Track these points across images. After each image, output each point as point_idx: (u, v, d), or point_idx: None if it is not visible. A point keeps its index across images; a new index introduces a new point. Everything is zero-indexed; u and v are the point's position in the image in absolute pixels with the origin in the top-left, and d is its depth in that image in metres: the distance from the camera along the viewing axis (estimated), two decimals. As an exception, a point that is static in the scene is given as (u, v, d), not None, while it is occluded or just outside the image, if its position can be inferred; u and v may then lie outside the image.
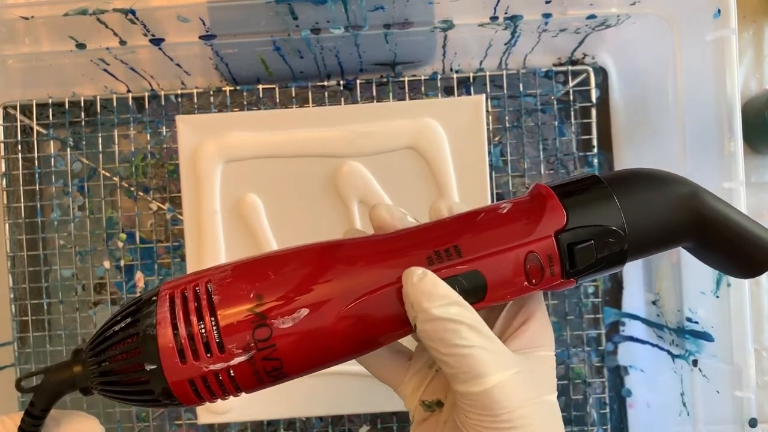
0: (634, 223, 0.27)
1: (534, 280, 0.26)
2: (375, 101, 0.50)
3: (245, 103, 0.50)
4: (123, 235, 0.50)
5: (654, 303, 0.48)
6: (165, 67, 0.47)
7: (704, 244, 0.28)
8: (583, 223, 0.26)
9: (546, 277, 0.26)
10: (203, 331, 0.24)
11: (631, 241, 0.27)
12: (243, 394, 0.26)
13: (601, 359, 0.50)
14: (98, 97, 0.50)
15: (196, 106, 0.50)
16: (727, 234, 0.27)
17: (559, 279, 0.27)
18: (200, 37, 0.43)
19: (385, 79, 0.50)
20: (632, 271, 0.50)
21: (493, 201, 0.47)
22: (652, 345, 0.49)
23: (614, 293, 0.51)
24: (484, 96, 0.45)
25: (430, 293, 0.25)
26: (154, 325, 0.24)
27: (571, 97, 0.50)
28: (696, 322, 0.44)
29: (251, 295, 0.25)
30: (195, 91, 0.50)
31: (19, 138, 0.50)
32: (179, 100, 0.50)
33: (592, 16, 0.43)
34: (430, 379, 0.32)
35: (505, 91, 0.50)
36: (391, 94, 0.50)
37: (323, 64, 0.48)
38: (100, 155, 0.50)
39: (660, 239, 0.27)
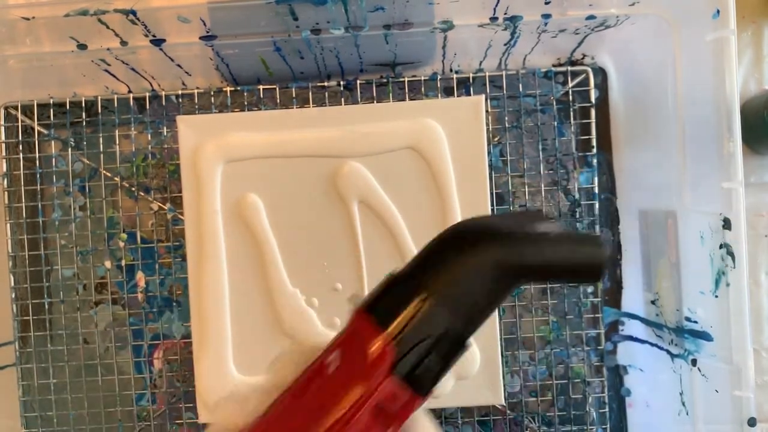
0: (459, 313, 0.26)
1: (392, 427, 0.25)
2: (375, 102, 0.50)
3: (246, 103, 0.50)
4: (124, 235, 0.50)
5: (653, 302, 0.48)
6: (166, 68, 0.48)
7: (533, 282, 0.29)
8: (414, 342, 0.25)
9: (400, 412, 0.25)
10: None
11: (465, 327, 0.26)
12: None
13: (600, 359, 0.50)
14: (99, 98, 0.50)
15: (196, 107, 0.50)
16: (549, 269, 0.27)
17: (415, 402, 0.26)
18: (201, 38, 0.43)
19: (385, 80, 0.50)
20: (631, 271, 0.50)
21: (492, 201, 0.47)
22: (652, 344, 0.49)
23: (613, 293, 0.51)
24: (483, 96, 0.45)
25: None
26: None
27: (571, 98, 0.50)
28: (695, 322, 0.44)
29: None
30: (196, 91, 0.50)
31: (20, 138, 0.50)
32: (180, 100, 0.50)
33: (591, 17, 0.43)
34: None
35: (505, 91, 0.50)
36: (391, 95, 0.50)
37: (323, 64, 0.48)
38: (101, 155, 0.50)
39: (489, 305, 0.27)
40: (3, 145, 0.50)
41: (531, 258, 0.27)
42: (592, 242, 0.27)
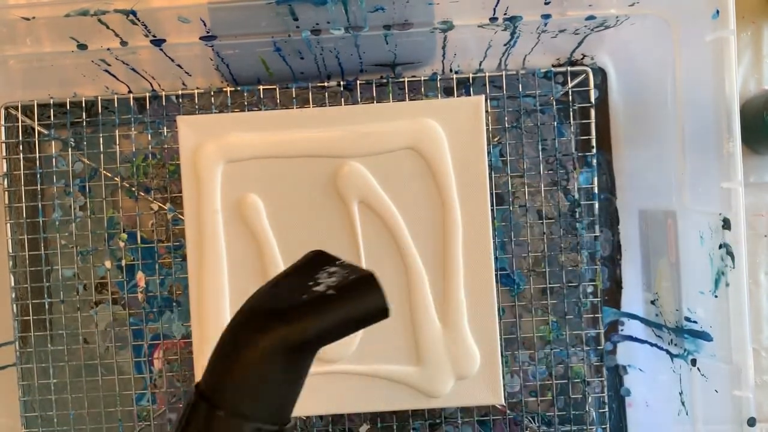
0: (263, 411, 0.27)
1: None
2: (375, 102, 0.50)
3: (246, 103, 0.50)
4: (124, 235, 0.50)
5: (653, 302, 0.48)
6: (166, 68, 0.48)
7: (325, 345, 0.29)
8: None
9: None
10: None
11: (279, 415, 0.28)
12: None
13: (600, 359, 0.50)
14: (99, 98, 0.50)
15: (196, 107, 0.50)
16: (337, 331, 0.28)
17: None
18: (201, 38, 0.43)
19: (385, 80, 0.50)
20: (631, 271, 0.50)
21: (492, 201, 0.47)
22: (651, 344, 0.49)
23: (613, 293, 0.51)
24: (483, 96, 0.45)
25: None
26: None
27: (570, 98, 0.50)
28: (695, 322, 0.44)
29: None
30: (196, 91, 0.50)
31: (20, 138, 0.50)
32: (180, 100, 0.50)
33: (591, 17, 0.43)
34: None
35: (505, 91, 0.50)
36: (391, 95, 0.50)
37: (323, 64, 0.48)
38: (101, 155, 0.50)
39: (292, 385, 0.28)
40: (3, 145, 0.50)
41: (315, 330, 0.28)
42: (368, 286, 0.28)
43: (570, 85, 0.50)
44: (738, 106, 0.39)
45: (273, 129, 0.45)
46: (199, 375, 0.45)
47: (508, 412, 0.50)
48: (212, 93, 0.50)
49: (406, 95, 0.50)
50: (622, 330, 0.51)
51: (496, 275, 0.48)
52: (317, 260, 0.31)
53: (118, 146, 0.50)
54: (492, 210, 0.46)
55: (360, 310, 0.28)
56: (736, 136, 0.39)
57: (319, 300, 0.28)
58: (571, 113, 0.50)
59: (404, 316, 0.45)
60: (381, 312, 0.28)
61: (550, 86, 0.50)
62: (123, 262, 0.50)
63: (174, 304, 0.50)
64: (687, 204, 0.44)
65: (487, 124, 0.49)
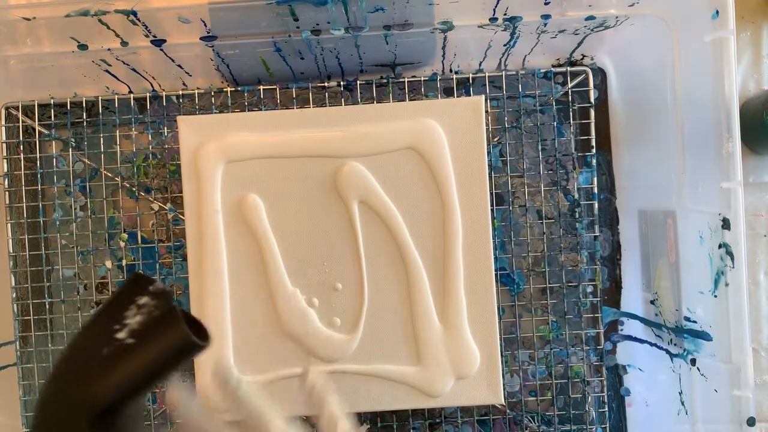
0: None
1: None
2: (375, 102, 0.50)
3: (246, 103, 0.50)
4: (124, 235, 0.50)
5: (652, 302, 0.49)
6: (166, 68, 0.48)
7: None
8: None
9: None
10: None
11: None
12: None
13: (599, 358, 0.50)
14: (100, 98, 0.50)
15: (197, 107, 0.50)
16: (148, 377, 0.27)
17: None
18: (201, 38, 0.44)
19: (385, 80, 0.50)
20: (631, 271, 0.50)
21: (492, 201, 0.47)
22: (651, 344, 0.49)
23: (613, 293, 0.51)
24: (483, 97, 0.45)
25: None
26: None
27: (570, 98, 0.50)
28: (694, 322, 0.44)
29: None
30: (196, 91, 0.50)
31: (21, 138, 0.50)
32: (180, 100, 0.50)
33: (590, 18, 0.43)
34: None
35: (504, 91, 0.50)
36: (391, 95, 0.50)
37: (324, 65, 0.48)
38: (102, 155, 0.50)
39: None
40: (4, 145, 0.50)
41: (118, 389, 0.26)
42: (169, 324, 0.26)
43: (570, 85, 0.50)
44: (737, 106, 0.39)
45: (273, 129, 0.45)
46: (199, 375, 0.45)
47: (508, 411, 0.50)
48: (212, 93, 0.50)
49: (406, 95, 0.50)
50: (621, 330, 0.51)
51: (496, 275, 0.48)
52: (133, 287, 0.29)
53: (118, 146, 0.51)
54: (492, 210, 0.46)
55: (165, 354, 0.27)
56: (735, 136, 0.39)
57: (118, 353, 0.27)
58: (571, 113, 0.50)
59: (404, 316, 0.45)
60: (189, 347, 0.27)
61: (550, 86, 0.50)
62: (123, 262, 0.50)
63: (174, 304, 0.50)
64: (687, 204, 0.44)
65: (487, 124, 0.49)
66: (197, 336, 0.27)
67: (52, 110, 0.50)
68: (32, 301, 0.50)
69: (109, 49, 0.44)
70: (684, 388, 0.45)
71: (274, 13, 0.41)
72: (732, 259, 0.40)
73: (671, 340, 0.46)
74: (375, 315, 0.45)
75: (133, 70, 0.48)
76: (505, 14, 0.43)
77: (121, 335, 0.27)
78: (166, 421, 0.50)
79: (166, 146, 0.51)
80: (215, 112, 0.50)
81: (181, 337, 0.27)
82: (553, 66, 0.50)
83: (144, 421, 0.29)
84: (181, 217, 0.49)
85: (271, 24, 0.42)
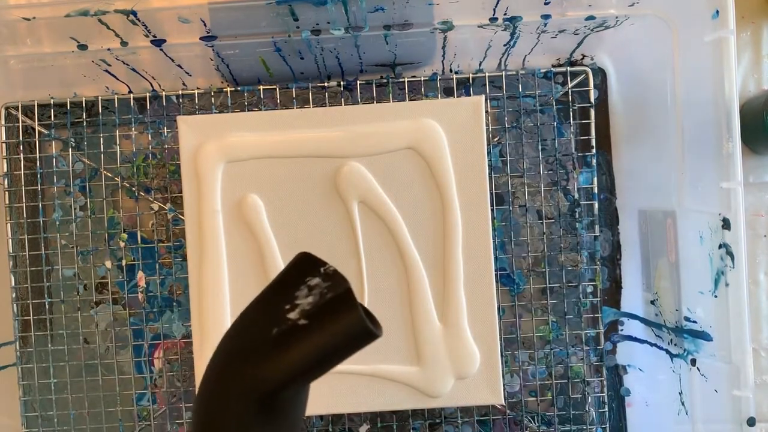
0: None
1: None
2: (375, 102, 0.50)
3: (246, 103, 0.50)
4: (124, 235, 0.50)
5: (652, 302, 0.49)
6: (166, 68, 0.48)
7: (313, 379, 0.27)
8: None
9: None
10: None
11: None
12: None
13: (599, 358, 0.50)
14: (100, 98, 0.50)
15: (197, 107, 0.50)
16: (318, 363, 0.26)
17: None
18: (201, 38, 0.44)
19: (385, 80, 0.50)
20: (631, 271, 0.50)
21: (492, 201, 0.47)
22: (651, 344, 0.49)
23: (613, 293, 0.51)
24: (483, 97, 0.45)
25: None
26: None
27: (570, 98, 0.50)
28: (694, 322, 0.44)
29: None
30: (196, 91, 0.50)
31: (20, 138, 0.50)
32: (180, 100, 0.50)
33: (591, 17, 0.43)
34: None
35: (504, 91, 0.50)
36: (391, 95, 0.50)
37: (323, 65, 0.48)
38: (102, 155, 0.50)
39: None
40: (4, 146, 0.50)
41: (288, 372, 0.25)
42: (344, 307, 0.25)
43: (570, 85, 0.50)
44: (737, 107, 0.39)
45: (273, 129, 0.45)
46: (199, 375, 0.45)
47: (508, 411, 0.50)
48: (212, 93, 0.50)
49: (406, 95, 0.50)
50: (621, 330, 0.51)
51: (496, 275, 0.48)
52: (302, 267, 0.27)
53: (118, 146, 0.51)
54: (492, 210, 0.46)
55: (338, 338, 0.25)
56: (735, 136, 0.39)
57: (290, 333, 0.25)
58: (571, 113, 0.50)
59: (404, 316, 0.45)
60: (363, 334, 0.25)
61: (550, 86, 0.50)
62: (123, 262, 0.50)
63: (174, 304, 0.50)
64: (687, 204, 0.44)
65: (487, 124, 0.49)
66: (373, 323, 0.26)
67: (52, 110, 0.50)
68: (32, 301, 0.50)
69: (109, 49, 0.44)
70: (684, 388, 0.45)
71: (274, 13, 0.41)
72: (732, 259, 0.40)
73: (671, 340, 0.46)
74: (375, 315, 0.45)
75: (133, 70, 0.48)
76: (505, 14, 0.43)
77: (292, 315, 0.25)
78: (166, 420, 0.50)
79: (166, 146, 0.51)
80: (215, 112, 0.50)
81: (356, 323, 0.25)
82: (553, 66, 0.50)
83: (306, 403, 0.28)
84: (181, 217, 0.49)
85: (271, 24, 0.42)
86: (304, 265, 0.27)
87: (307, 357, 0.25)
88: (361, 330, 0.25)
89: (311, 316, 0.25)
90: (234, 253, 0.45)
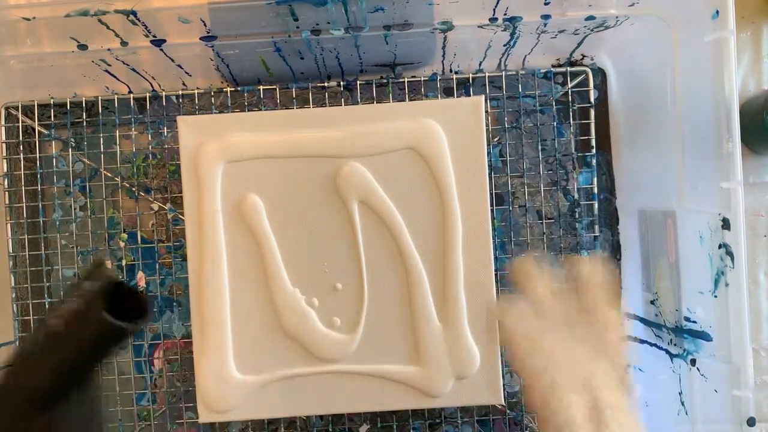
0: None
1: None
2: (375, 102, 0.50)
3: (246, 103, 0.50)
4: (124, 235, 0.50)
5: (652, 302, 0.49)
6: (166, 68, 0.48)
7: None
8: None
9: None
10: None
11: None
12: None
13: (600, 359, 0.50)
14: (100, 98, 0.50)
15: (197, 107, 0.50)
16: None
17: None
18: (201, 38, 0.44)
19: (385, 80, 0.50)
20: (631, 271, 0.50)
21: (492, 201, 0.47)
22: (651, 344, 0.49)
23: (613, 293, 0.51)
24: (483, 97, 0.45)
25: None
26: None
27: (570, 98, 0.50)
28: (694, 322, 0.44)
29: None
30: (196, 91, 0.50)
31: (20, 138, 0.50)
32: (180, 100, 0.50)
33: (590, 18, 0.43)
34: None
35: (504, 91, 0.50)
36: (391, 95, 0.50)
37: (323, 65, 0.48)
38: (102, 155, 0.50)
39: None
40: (4, 146, 0.50)
41: (50, 373, 0.27)
42: (92, 305, 0.27)
43: (570, 85, 0.50)
44: (737, 107, 0.39)
45: (273, 129, 0.45)
46: (199, 375, 0.45)
47: (507, 411, 0.50)
48: (212, 93, 0.50)
49: (406, 95, 0.50)
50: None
51: (496, 275, 0.48)
52: (89, 272, 0.30)
53: (118, 146, 0.51)
54: (492, 210, 0.46)
55: (87, 338, 0.27)
56: (735, 136, 0.39)
57: (50, 340, 0.28)
58: (571, 113, 0.50)
59: (404, 316, 0.45)
60: (110, 331, 0.27)
61: (550, 86, 0.50)
62: (123, 262, 0.50)
63: (174, 304, 0.50)
64: (686, 204, 0.44)
65: (487, 124, 0.49)
66: (137, 314, 0.28)
67: (52, 110, 0.50)
68: (32, 301, 0.50)
69: (109, 49, 0.44)
70: (684, 388, 0.45)
71: (274, 13, 0.41)
72: (732, 259, 0.40)
73: (671, 340, 0.46)
74: (375, 315, 0.45)
75: (133, 70, 0.48)
76: (505, 14, 0.43)
77: (52, 321, 0.28)
78: (166, 420, 0.50)
79: (166, 146, 0.51)
80: (215, 112, 0.50)
81: (99, 322, 0.27)
82: (553, 66, 0.50)
83: (100, 402, 0.30)
84: (181, 217, 0.49)
85: (271, 24, 0.42)
86: (92, 270, 0.30)
87: (63, 358, 0.27)
88: (106, 329, 0.27)
89: (67, 321, 0.28)
90: (234, 253, 0.45)
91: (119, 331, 0.28)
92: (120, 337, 0.28)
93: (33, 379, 0.27)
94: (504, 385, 0.47)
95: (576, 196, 0.50)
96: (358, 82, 0.50)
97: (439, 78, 0.50)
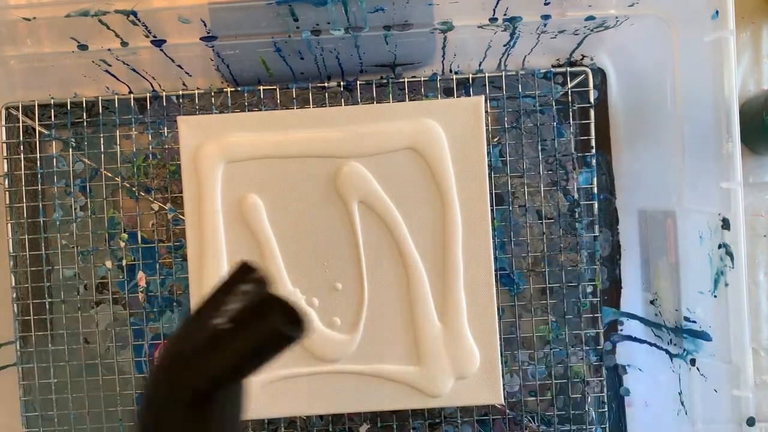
0: None
1: None
2: (375, 102, 0.50)
3: (246, 104, 0.50)
4: (125, 235, 0.51)
5: (652, 302, 0.49)
6: (166, 68, 0.48)
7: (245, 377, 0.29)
8: None
9: None
10: None
11: None
12: None
13: (599, 358, 0.50)
14: (100, 98, 0.50)
15: (197, 107, 0.50)
16: (245, 363, 0.28)
17: None
18: (201, 39, 0.44)
19: (385, 80, 0.50)
20: (631, 271, 0.50)
21: (492, 201, 0.47)
22: (651, 344, 0.49)
23: (613, 293, 0.51)
24: (483, 97, 0.45)
25: None
26: None
27: (570, 98, 0.50)
28: (694, 322, 0.44)
29: None
30: (196, 92, 0.50)
31: (21, 138, 0.51)
32: (180, 100, 0.50)
33: (590, 18, 0.44)
34: None
35: (504, 92, 0.50)
36: (391, 95, 0.50)
37: (323, 65, 0.48)
38: (102, 156, 0.50)
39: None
40: (4, 146, 0.50)
41: (216, 373, 0.27)
42: (265, 312, 0.27)
43: (569, 85, 0.50)
44: (737, 106, 0.39)
45: (273, 129, 0.45)
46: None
47: (507, 411, 0.50)
48: (212, 93, 0.50)
49: (406, 95, 0.50)
50: (621, 330, 0.51)
51: (496, 275, 0.48)
52: (237, 275, 0.30)
53: (118, 146, 0.51)
54: (492, 210, 0.46)
55: (258, 340, 0.27)
56: (735, 137, 0.39)
57: (216, 338, 0.27)
58: (571, 113, 0.50)
59: (404, 316, 0.45)
60: (282, 339, 0.27)
61: (550, 87, 0.50)
62: (124, 262, 0.51)
63: (174, 303, 0.50)
64: (686, 204, 0.44)
65: (487, 125, 0.49)
66: (295, 325, 0.27)
67: (52, 110, 0.50)
68: (32, 301, 0.50)
69: (109, 49, 0.44)
70: (684, 388, 0.45)
71: (274, 13, 0.41)
72: (732, 259, 0.40)
73: (671, 340, 0.46)
74: (375, 315, 0.45)
75: (133, 70, 0.48)
76: (505, 14, 0.43)
77: (219, 321, 0.28)
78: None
79: (166, 146, 0.51)
80: (215, 112, 0.50)
81: (274, 326, 0.27)
82: (553, 66, 0.50)
83: (244, 405, 0.30)
84: (181, 217, 0.49)
85: (271, 24, 0.42)
86: (239, 273, 0.30)
87: (231, 358, 0.27)
88: (278, 333, 0.27)
89: (236, 320, 0.27)
90: (234, 253, 0.45)
91: (288, 337, 0.27)
92: (286, 343, 0.27)
93: (193, 379, 0.27)
94: (504, 385, 0.47)
95: (576, 196, 0.50)
96: (358, 82, 0.50)
97: (439, 78, 0.50)
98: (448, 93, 0.50)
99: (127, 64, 0.47)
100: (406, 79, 0.50)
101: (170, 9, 0.41)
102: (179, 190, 0.49)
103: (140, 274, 0.51)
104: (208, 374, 0.27)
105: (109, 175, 0.51)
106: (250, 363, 0.27)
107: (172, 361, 0.28)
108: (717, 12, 0.39)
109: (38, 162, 0.51)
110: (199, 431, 0.27)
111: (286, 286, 0.45)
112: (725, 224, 0.40)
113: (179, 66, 0.48)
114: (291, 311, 0.27)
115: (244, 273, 0.29)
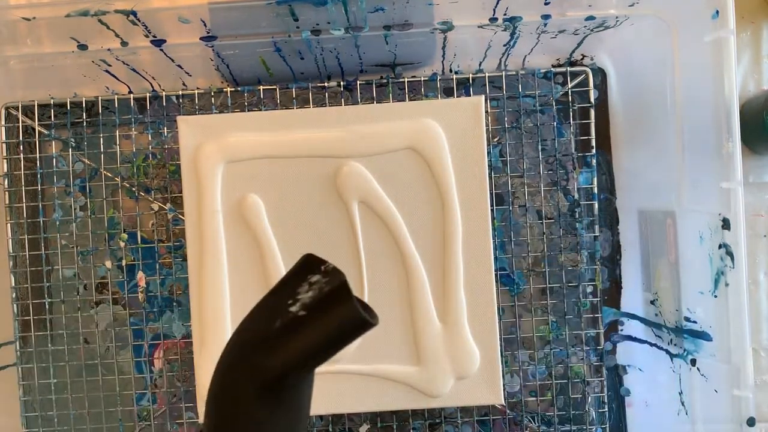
0: None
1: None
2: (375, 102, 0.50)
3: (246, 103, 0.50)
4: (124, 235, 0.50)
5: (652, 302, 0.49)
6: (166, 68, 0.48)
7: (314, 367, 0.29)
8: None
9: None
10: None
11: None
12: None
13: (599, 358, 0.50)
14: (100, 98, 0.50)
15: (197, 107, 0.50)
16: (317, 352, 0.27)
17: None
18: (201, 38, 0.44)
19: (385, 80, 0.50)
20: (631, 271, 0.50)
21: (492, 201, 0.47)
22: (651, 344, 0.49)
23: (613, 293, 0.51)
24: (483, 97, 0.45)
25: None
26: None
27: (570, 98, 0.50)
28: (694, 322, 0.44)
29: None
30: (196, 91, 0.50)
31: (20, 138, 0.51)
32: (180, 100, 0.50)
33: (590, 18, 0.44)
34: None
35: (504, 92, 0.50)
36: (391, 95, 0.50)
37: (323, 65, 0.48)
38: (102, 156, 0.50)
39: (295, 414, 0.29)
40: (4, 146, 0.50)
41: (290, 360, 0.27)
42: (339, 299, 0.27)
43: (570, 85, 0.50)
44: (737, 106, 0.39)
45: (273, 129, 0.45)
46: (199, 375, 0.45)
47: (507, 411, 0.50)
48: (212, 93, 0.50)
49: (406, 95, 0.50)
50: (621, 330, 0.51)
51: (496, 275, 0.48)
52: (305, 267, 0.30)
53: (118, 146, 0.51)
54: (492, 210, 0.46)
55: (334, 327, 0.27)
56: (735, 136, 0.39)
57: (291, 324, 0.27)
58: (571, 113, 0.50)
59: (404, 316, 0.45)
60: (358, 323, 0.27)
61: (550, 86, 0.50)
62: (123, 262, 0.50)
63: (174, 304, 0.50)
64: (686, 204, 0.44)
65: (487, 125, 0.49)
66: (368, 312, 0.28)
67: (52, 110, 0.50)
68: (32, 301, 0.50)
69: (109, 49, 0.44)
70: (684, 388, 0.45)
71: (274, 13, 0.41)
72: (732, 259, 0.40)
73: (671, 340, 0.46)
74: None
75: (133, 70, 0.48)
76: (505, 14, 0.43)
77: (294, 308, 0.27)
78: (166, 421, 0.50)
79: (166, 146, 0.51)
80: (215, 112, 0.50)
81: (350, 312, 0.27)
82: (553, 66, 0.50)
83: (311, 393, 0.30)
84: (181, 217, 0.49)
85: (271, 24, 0.42)
86: (307, 265, 0.29)
87: (307, 345, 0.27)
88: (355, 319, 0.27)
89: (310, 308, 0.27)
90: (234, 253, 0.45)
91: (365, 324, 0.27)
92: (361, 330, 0.27)
93: (265, 364, 0.26)
94: (504, 385, 0.47)
95: (576, 196, 0.50)
96: (358, 82, 0.50)
97: (439, 78, 0.50)
98: (448, 93, 0.50)
99: (127, 64, 0.47)
100: (406, 79, 0.50)
101: (170, 9, 0.41)
102: (179, 190, 0.49)
103: (140, 274, 0.51)
104: (282, 360, 0.27)
105: (109, 175, 0.51)
106: (325, 350, 0.27)
107: (243, 346, 0.28)
108: (717, 12, 0.39)
109: (38, 162, 0.51)
110: (268, 418, 0.27)
111: (286, 286, 0.45)
112: (725, 224, 0.40)
113: (179, 66, 0.48)
114: (360, 300, 0.28)
115: (311, 265, 0.29)
